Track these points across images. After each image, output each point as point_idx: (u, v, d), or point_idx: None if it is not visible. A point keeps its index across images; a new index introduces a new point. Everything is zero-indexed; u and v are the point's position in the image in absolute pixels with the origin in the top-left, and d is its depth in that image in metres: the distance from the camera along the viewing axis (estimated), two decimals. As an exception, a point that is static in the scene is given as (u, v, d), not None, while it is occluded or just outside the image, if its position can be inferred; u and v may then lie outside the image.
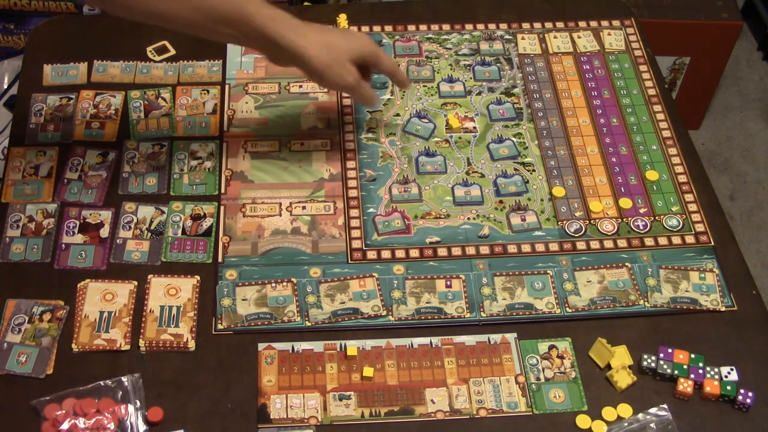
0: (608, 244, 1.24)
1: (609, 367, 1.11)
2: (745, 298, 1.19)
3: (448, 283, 1.19)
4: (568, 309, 1.17)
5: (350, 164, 1.33)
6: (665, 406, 1.08)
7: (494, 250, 1.23)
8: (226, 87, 1.42)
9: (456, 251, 1.23)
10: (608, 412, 1.08)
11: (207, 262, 1.21)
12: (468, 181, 1.31)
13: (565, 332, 1.15)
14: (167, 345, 1.12)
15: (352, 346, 1.12)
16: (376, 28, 1.53)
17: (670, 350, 1.12)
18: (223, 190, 1.29)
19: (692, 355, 1.12)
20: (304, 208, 1.27)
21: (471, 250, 1.23)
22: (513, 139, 1.37)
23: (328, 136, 1.37)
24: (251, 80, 1.43)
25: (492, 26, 1.54)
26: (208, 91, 1.42)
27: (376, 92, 1.29)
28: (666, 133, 1.39)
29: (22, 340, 1.11)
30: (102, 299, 1.16)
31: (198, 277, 1.19)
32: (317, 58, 1.11)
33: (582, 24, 1.55)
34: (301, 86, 1.43)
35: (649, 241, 1.25)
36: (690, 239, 1.25)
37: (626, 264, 1.22)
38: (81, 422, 1.03)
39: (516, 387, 1.10)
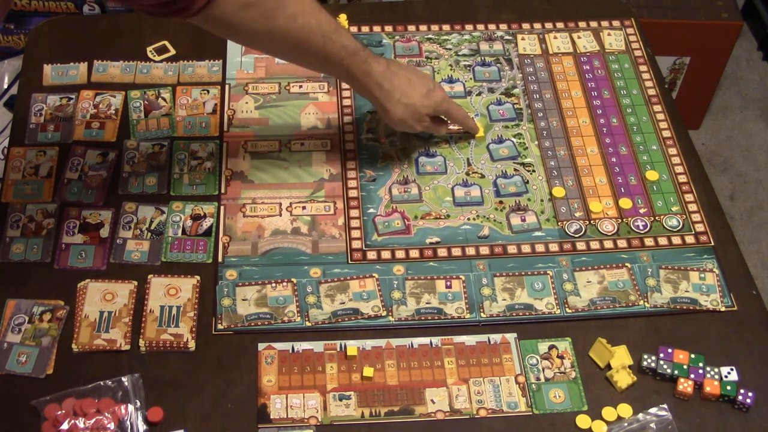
0: (608, 244, 1.24)
1: (609, 367, 1.11)
2: (745, 298, 1.19)
3: (448, 283, 1.19)
4: (567, 309, 1.17)
5: (350, 164, 1.33)
6: (665, 406, 1.08)
7: (494, 250, 1.23)
8: (226, 87, 1.42)
9: (456, 252, 1.23)
10: (608, 412, 1.08)
11: (207, 262, 1.21)
12: (468, 181, 1.31)
13: (565, 332, 1.15)
14: (167, 345, 1.12)
15: (352, 346, 1.12)
16: (376, 28, 1.53)
17: (670, 350, 1.12)
18: (223, 190, 1.28)
19: (692, 355, 1.12)
20: (304, 208, 1.27)
21: (471, 251, 1.23)
22: (513, 139, 1.37)
23: (328, 136, 1.37)
24: (251, 80, 1.43)
25: (492, 26, 1.54)
26: (208, 91, 1.41)
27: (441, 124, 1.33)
28: (666, 133, 1.39)
29: (22, 340, 1.11)
30: (102, 299, 1.16)
31: (198, 277, 1.19)
32: (395, 115, 1.25)
33: (582, 24, 1.55)
34: (301, 86, 1.43)
35: (649, 242, 1.25)
36: (690, 239, 1.25)
37: (626, 264, 1.22)
38: (81, 422, 1.03)
39: (516, 387, 1.10)
